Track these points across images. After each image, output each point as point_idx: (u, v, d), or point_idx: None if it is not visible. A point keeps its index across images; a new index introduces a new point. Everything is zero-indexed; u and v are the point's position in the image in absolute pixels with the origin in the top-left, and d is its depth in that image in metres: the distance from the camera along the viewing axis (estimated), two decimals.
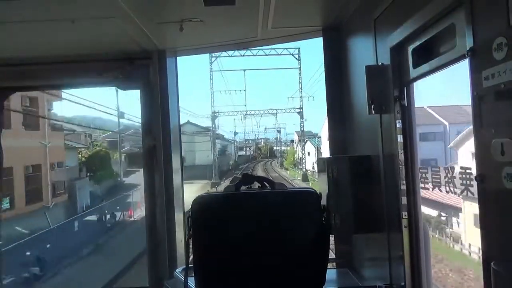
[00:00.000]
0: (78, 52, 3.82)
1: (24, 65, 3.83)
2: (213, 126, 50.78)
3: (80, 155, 38.74)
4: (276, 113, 55.46)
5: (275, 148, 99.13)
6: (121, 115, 39.52)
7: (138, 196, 34.05)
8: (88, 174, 37.35)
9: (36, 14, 2.95)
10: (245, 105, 61.19)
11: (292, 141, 79.43)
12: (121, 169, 43.52)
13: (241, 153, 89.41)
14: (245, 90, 55.03)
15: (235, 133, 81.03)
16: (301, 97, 48.84)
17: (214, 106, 49.77)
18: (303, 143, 53.72)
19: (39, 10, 2.90)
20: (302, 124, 49.44)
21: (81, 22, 3.07)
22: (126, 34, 3.39)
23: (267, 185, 2.40)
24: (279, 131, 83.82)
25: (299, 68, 47.86)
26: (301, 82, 48.46)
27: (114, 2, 2.76)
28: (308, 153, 52.97)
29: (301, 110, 48.93)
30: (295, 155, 70.14)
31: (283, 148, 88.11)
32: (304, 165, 51.79)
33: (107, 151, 45.04)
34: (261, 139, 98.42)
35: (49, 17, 3.02)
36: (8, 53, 3.76)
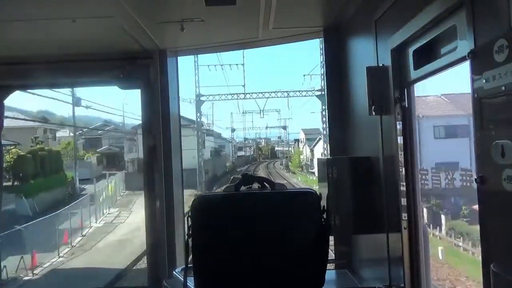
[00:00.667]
0: (79, 51, 3.82)
1: (25, 63, 3.83)
2: (198, 114, 36.63)
3: (8, 155, 27.78)
4: (288, 96, 39.35)
5: (276, 148, 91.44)
6: (77, 102, 30.96)
7: (82, 217, 23.10)
8: (14, 182, 27.51)
9: (38, 13, 2.96)
10: (243, 86, 39.46)
11: (297, 140, 69.99)
12: (76, 174, 34.03)
13: (240, 153, 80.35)
14: (243, 65, 38.72)
15: (233, 130, 69.16)
16: (323, 74, 29.80)
17: (199, 86, 35.29)
18: (322, 139, 37.66)
19: (41, 9, 2.90)
20: (324, 113, 32.44)
21: (82, 21, 3.07)
22: (127, 33, 3.39)
23: (267, 185, 2.40)
24: (284, 128, 72.58)
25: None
26: (323, 53, 21.98)
27: (115, 2, 2.76)
28: (321, 154, 35.99)
29: (323, 92, 32.43)
30: (301, 156, 62.46)
31: (286, 148, 79.17)
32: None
33: (55, 150, 35.24)
34: (261, 138, 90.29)
35: (50, 16, 3.02)
36: (9, 51, 3.76)
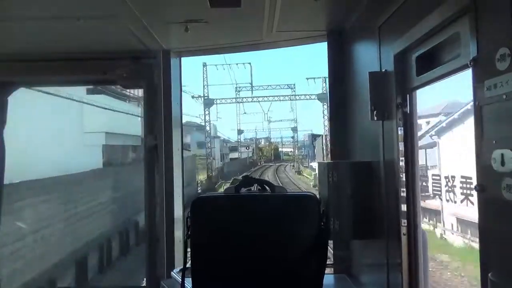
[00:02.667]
0: (83, 50, 3.83)
1: (29, 61, 3.85)
2: None
3: None
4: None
5: (280, 148, 76.17)
6: None
7: None
8: None
9: (42, 12, 2.97)
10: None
11: (315, 136, 47.96)
12: None
13: (234, 155, 59.62)
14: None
15: (208, 102, 40.98)
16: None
17: None
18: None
19: (45, 8, 2.92)
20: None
21: (86, 20, 3.08)
22: (131, 33, 3.40)
23: (267, 188, 2.41)
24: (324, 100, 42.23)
25: None
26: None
27: (119, 1, 2.77)
28: None
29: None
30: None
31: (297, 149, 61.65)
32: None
33: None
34: (260, 138, 70.35)
35: (55, 15, 3.04)
36: (14, 48, 3.77)
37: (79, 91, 19.60)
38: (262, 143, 75.37)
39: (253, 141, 67.73)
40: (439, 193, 17.40)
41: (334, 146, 3.81)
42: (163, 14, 3.22)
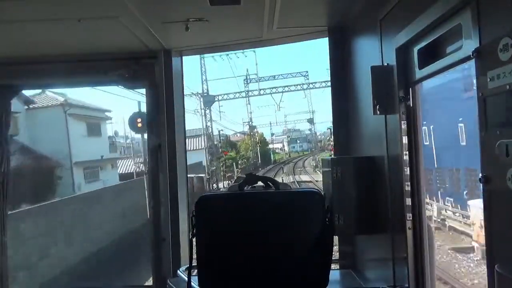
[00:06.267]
0: (84, 51, 3.84)
1: (30, 63, 3.86)
2: None
3: None
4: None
5: (270, 145, 48.82)
6: None
7: None
8: None
9: (43, 13, 2.98)
10: None
11: None
12: None
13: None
14: None
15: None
16: None
17: None
18: None
19: (46, 9, 2.92)
20: None
21: (87, 21, 3.09)
22: (131, 33, 3.40)
23: (271, 185, 2.40)
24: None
25: None
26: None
27: (120, 2, 2.77)
28: None
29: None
30: None
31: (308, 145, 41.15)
32: None
33: None
34: (236, 132, 41.48)
35: (55, 16, 3.04)
36: (15, 52, 3.79)
37: None
38: (238, 135, 44.02)
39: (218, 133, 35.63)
40: None
41: (337, 141, 3.80)
42: (163, 14, 3.22)
